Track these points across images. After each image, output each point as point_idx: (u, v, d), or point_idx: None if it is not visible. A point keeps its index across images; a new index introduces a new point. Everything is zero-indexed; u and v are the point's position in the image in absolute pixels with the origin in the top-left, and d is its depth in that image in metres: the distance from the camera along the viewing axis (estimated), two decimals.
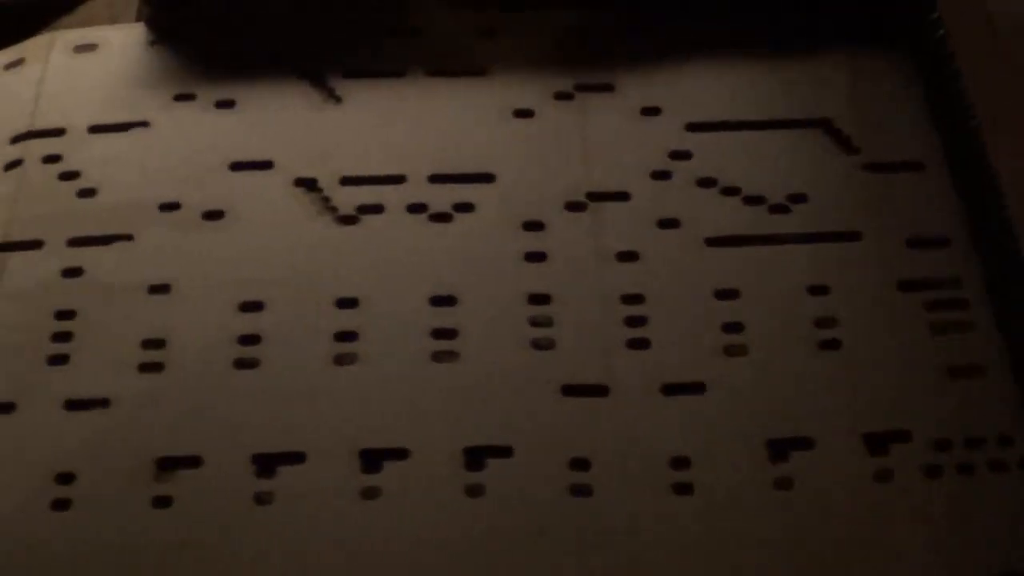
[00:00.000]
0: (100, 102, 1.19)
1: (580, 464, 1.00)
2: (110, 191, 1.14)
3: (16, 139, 1.18)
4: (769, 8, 1.22)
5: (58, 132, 1.17)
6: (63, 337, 1.06)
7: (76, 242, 1.11)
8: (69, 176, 1.15)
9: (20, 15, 1.32)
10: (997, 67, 1.11)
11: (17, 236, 1.12)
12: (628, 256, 1.10)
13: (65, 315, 1.07)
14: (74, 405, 1.03)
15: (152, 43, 1.23)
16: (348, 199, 1.12)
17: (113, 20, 1.30)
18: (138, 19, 1.28)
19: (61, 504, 0.99)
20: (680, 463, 1.00)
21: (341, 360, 1.05)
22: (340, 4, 1.23)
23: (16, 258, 1.11)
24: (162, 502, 0.99)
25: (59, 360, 1.05)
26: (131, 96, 1.19)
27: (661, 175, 1.14)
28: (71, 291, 1.08)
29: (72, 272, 1.10)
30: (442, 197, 1.12)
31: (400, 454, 1.01)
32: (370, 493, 0.99)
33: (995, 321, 1.07)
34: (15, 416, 1.03)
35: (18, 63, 1.23)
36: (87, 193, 1.14)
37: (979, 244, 1.10)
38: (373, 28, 1.22)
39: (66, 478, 1.00)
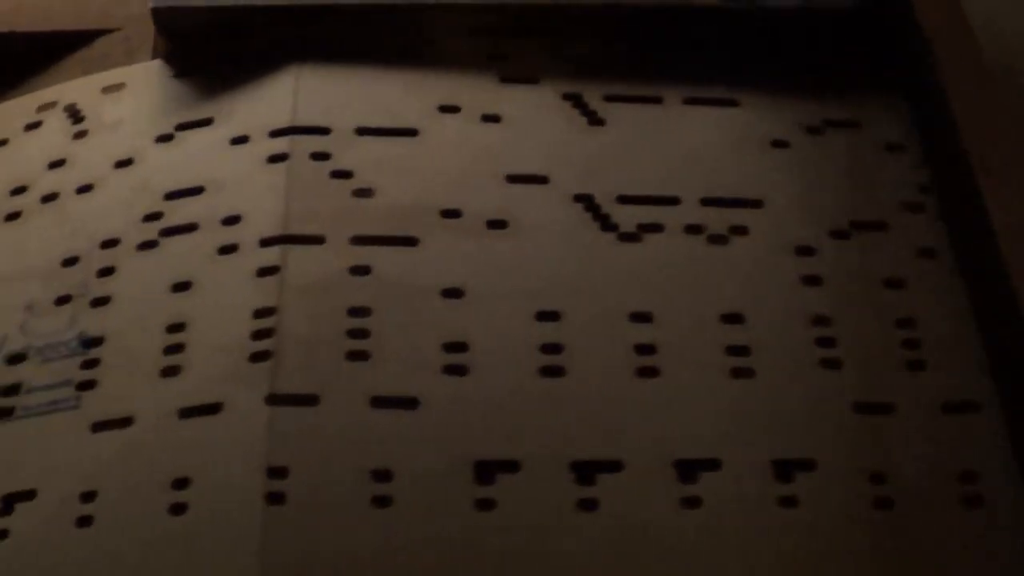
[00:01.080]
0: (365, 106, 1.18)
1: (878, 479, 1.02)
2: (387, 193, 1.13)
3: (277, 133, 1.16)
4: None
5: (323, 131, 1.16)
6: (360, 334, 1.04)
7: (359, 240, 1.10)
8: (341, 175, 1.14)
9: (37, 46, 1.32)
10: (991, 113, 1.14)
11: (296, 230, 1.10)
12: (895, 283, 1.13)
13: (359, 312, 1.05)
14: (380, 402, 1.01)
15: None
16: (627, 217, 1.14)
17: (130, 53, 1.30)
18: (155, 54, 1.28)
19: (381, 501, 0.97)
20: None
21: (643, 372, 1.05)
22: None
23: (297, 251, 1.09)
24: (485, 505, 0.98)
25: (360, 356, 1.03)
26: (396, 103, 1.19)
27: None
28: (361, 288, 1.07)
29: (360, 270, 1.08)
30: (716, 219, 1.15)
31: (713, 465, 1.01)
32: (690, 503, 1.00)
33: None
34: (320, 409, 1.01)
35: None
36: (362, 193, 1.13)
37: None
38: None
39: (382, 475, 0.98)
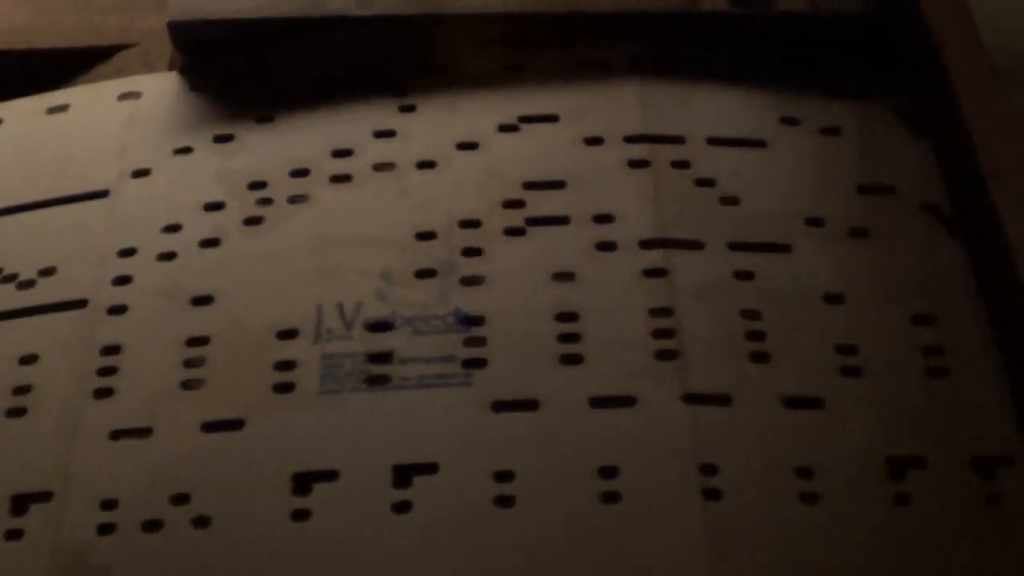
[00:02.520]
0: (715, 116, 1.22)
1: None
2: (752, 201, 1.17)
3: (633, 139, 1.20)
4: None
5: (677, 139, 1.20)
6: (757, 336, 1.08)
7: (736, 247, 1.13)
8: (704, 183, 1.17)
9: (55, 62, 1.34)
10: (1002, 117, 1.16)
11: (673, 234, 1.14)
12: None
13: (752, 315, 1.09)
14: (791, 403, 1.05)
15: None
16: None
17: (149, 68, 1.32)
18: (171, 67, 1.30)
19: (807, 497, 1.00)
20: None
21: None
22: None
23: (679, 255, 1.12)
24: (901, 499, 1.00)
25: (761, 358, 1.07)
26: (745, 115, 1.23)
27: None
28: (749, 293, 1.10)
29: (743, 275, 1.12)
30: None
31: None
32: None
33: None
34: (734, 408, 1.04)
35: None
36: (729, 201, 1.16)
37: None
38: None
39: (805, 472, 1.01)
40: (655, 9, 1.25)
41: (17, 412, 1.06)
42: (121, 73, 1.32)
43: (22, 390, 1.08)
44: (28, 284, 1.14)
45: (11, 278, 1.15)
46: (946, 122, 1.19)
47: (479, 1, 1.26)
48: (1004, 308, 1.08)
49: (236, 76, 1.27)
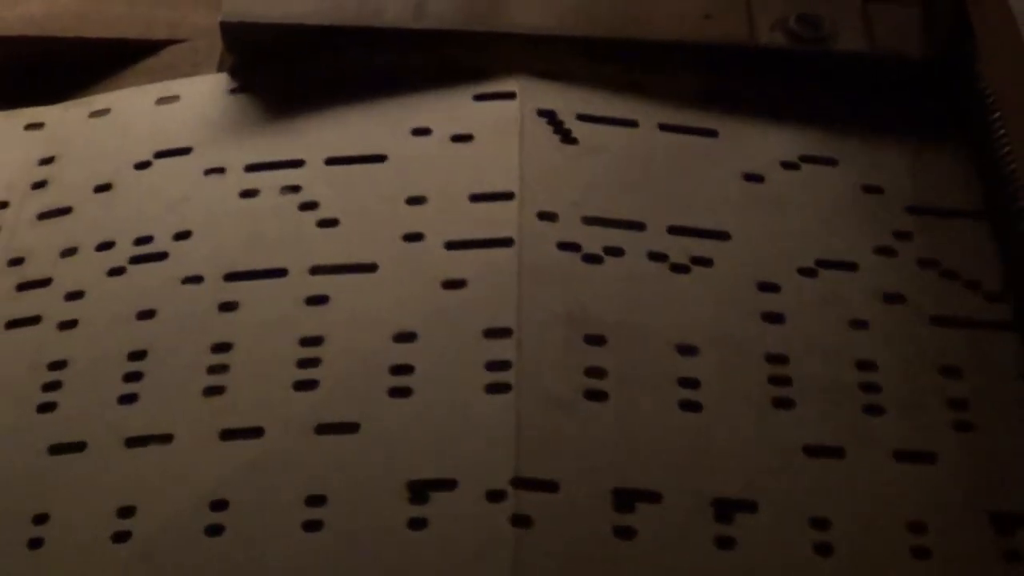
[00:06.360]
0: None
1: None
2: None
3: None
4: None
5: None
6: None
7: None
8: None
9: (103, 53, 1.33)
10: None
11: None
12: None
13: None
14: None
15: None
16: None
17: (196, 65, 1.31)
18: (220, 67, 1.30)
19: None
20: None
21: None
22: None
23: None
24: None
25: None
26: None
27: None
28: None
29: None
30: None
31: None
32: None
33: None
34: None
35: None
36: None
37: None
38: None
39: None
40: (715, 40, 1.25)
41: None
42: (170, 68, 1.32)
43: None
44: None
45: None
46: (997, 171, 1.18)
47: (535, 21, 1.25)
48: None
49: (285, 81, 1.27)
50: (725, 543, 0.97)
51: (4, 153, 1.26)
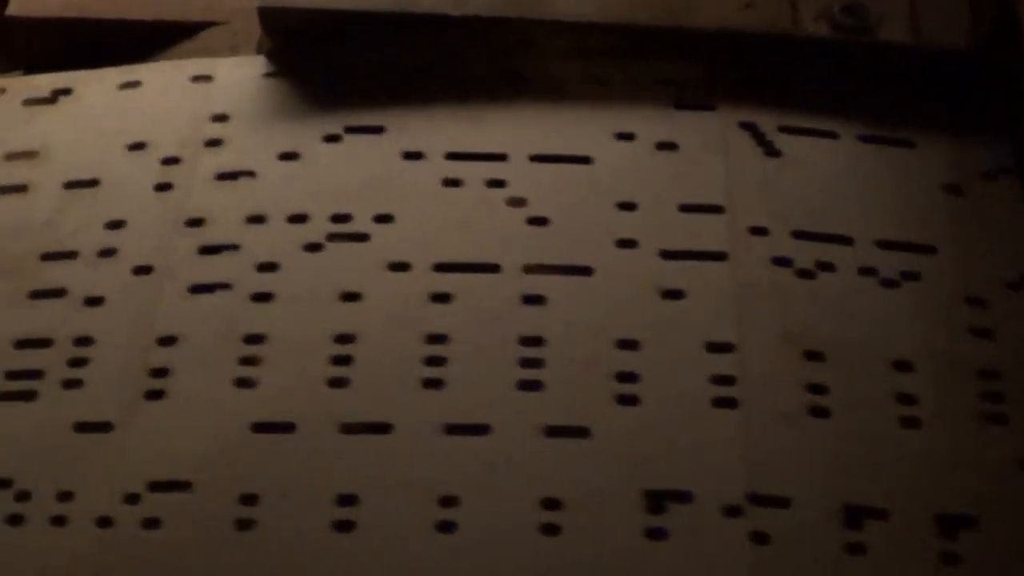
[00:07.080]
0: None
1: None
2: None
3: None
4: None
5: None
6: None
7: None
8: None
9: (142, 34, 1.33)
10: None
11: None
12: None
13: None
14: None
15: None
16: None
17: (234, 48, 1.31)
18: (258, 50, 1.29)
19: None
20: None
21: None
22: None
23: None
24: None
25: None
26: None
27: None
28: None
29: None
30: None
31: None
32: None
33: None
34: None
35: None
36: None
37: None
38: None
39: None
40: (758, 29, 1.23)
41: None
42: (206, 51, 1.31)
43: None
44: None
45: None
46: None
47: (576, 9, 1.24)
48: None
49: (322, 66, 1.26)
50: (950, 559, 0.98)
51: (170, 103, 1.24)
